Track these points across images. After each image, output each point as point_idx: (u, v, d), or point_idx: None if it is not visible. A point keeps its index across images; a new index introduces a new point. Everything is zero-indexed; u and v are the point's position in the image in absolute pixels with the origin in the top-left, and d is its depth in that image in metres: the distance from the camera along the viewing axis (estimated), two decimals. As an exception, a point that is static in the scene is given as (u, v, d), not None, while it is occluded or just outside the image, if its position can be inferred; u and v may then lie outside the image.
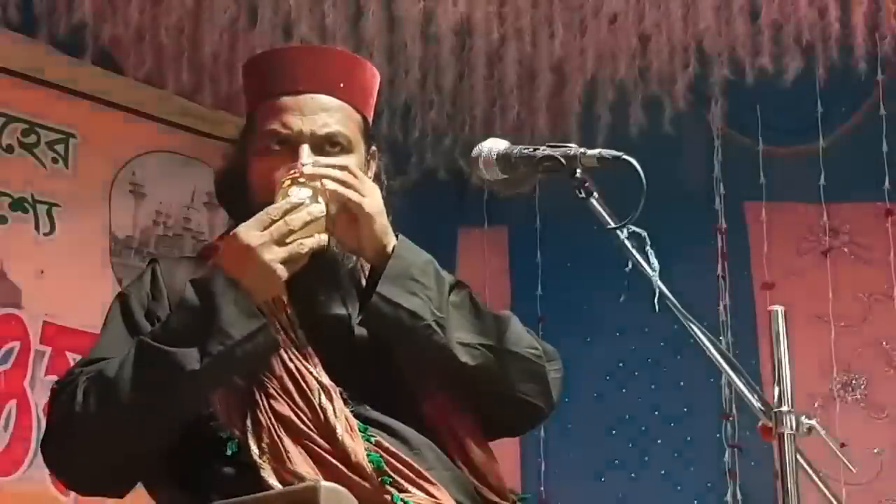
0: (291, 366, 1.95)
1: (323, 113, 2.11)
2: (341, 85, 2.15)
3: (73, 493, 4.14)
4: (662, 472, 4.96)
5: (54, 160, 4.29)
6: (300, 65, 2.17)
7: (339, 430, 1.90)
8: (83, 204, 4.29)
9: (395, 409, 2.00)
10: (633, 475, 4.95)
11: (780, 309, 1.75)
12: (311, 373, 1.95)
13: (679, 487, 4.93)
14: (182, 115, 4.68)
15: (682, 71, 4.55)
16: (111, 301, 2.13)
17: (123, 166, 4.49)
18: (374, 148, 2.21)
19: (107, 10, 4.28)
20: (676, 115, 4.62)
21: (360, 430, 1.93)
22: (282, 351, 1.95)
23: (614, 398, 4.94)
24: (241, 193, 2.13)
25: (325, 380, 1.95)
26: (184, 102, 4.63)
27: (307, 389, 1.93)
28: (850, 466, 1.84)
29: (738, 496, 4.82)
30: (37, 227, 4.19)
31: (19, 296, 4.09)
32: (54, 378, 4.19)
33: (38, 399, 4.11)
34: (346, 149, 2.11)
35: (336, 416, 1.91)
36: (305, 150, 2.07)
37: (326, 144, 2.10)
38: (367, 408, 1.98)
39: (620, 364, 5.01)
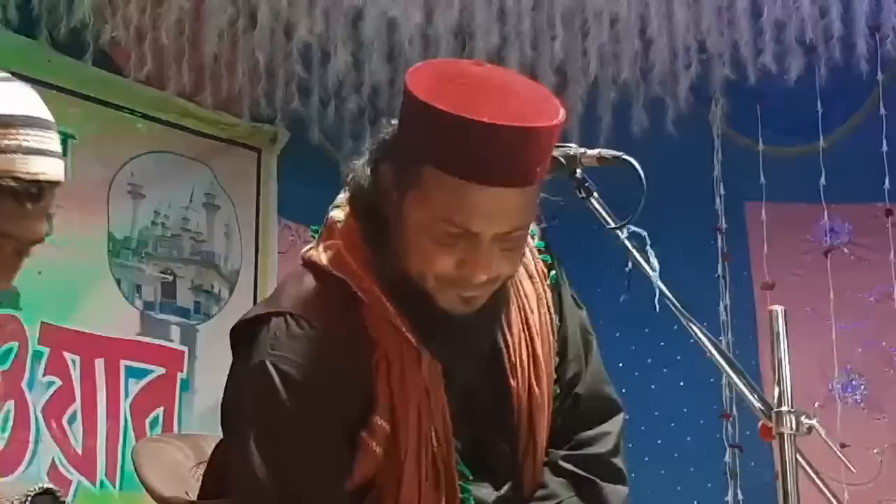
0: None
1: (514, 212, 1.78)
2: (538, 169, 1.79)
3: (70, 493, 4.14)
4: (662, 472, 4.96)
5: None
6: (503, 151, 1.72)
7: None
8: (82, 205, 4.28)
9: None
10: (633, 475, 4.94)
11: (780, 309, 1.75)
12: None
13: (679, 487, 4.93)
14: (181, 115, 4.68)
15: (683, 71, 4.55)
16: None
17: (122, 167, 4.49)
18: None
19: (106, 11, 4.28)
20: (677, 115, 4.62)
21: None
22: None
23: (614, 398, 4.93)
24: (383, 225, 1.84)
25: None
26: (183, 103, 4.63)
27: None
28: (850, 466, 1.84)
29: (738, 496, 4.82)
30: (36, 228, 4.19)
31: (17, 296, 4.09)
32: (52, 379, 4.23)
33: (36, 400, 4.11)
34: (524, 235, 1.86)
35: None
36: (486, 249, 1.78)
37: (507, 237, 1.80)
38: None
39: (620, 364, 5.01)
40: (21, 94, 1.57)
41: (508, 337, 1.97)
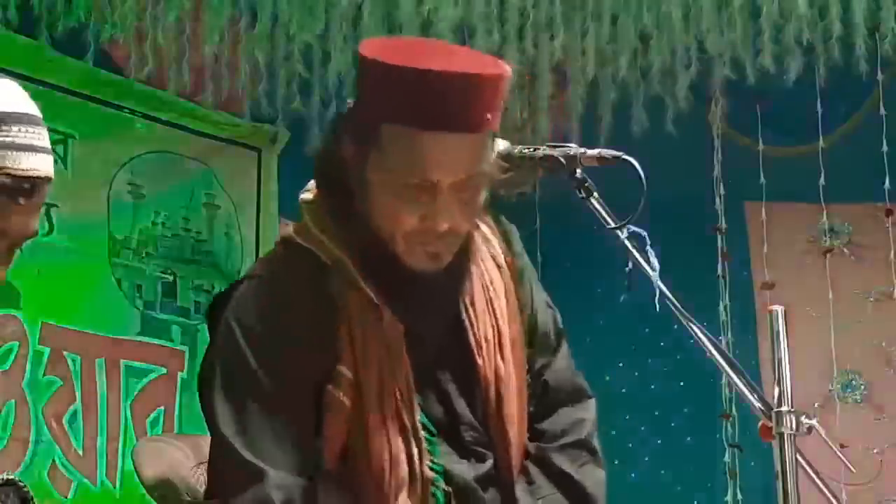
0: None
1: (466, 158, 1.89)
2: (488, 116, 1.90)
3: (70, 493, 4.14)
4: (662, 471, 4.97)
5: (53, 161, 4.28)
6: (452, 97, 1.84)
7: None
8: (82, 204, 4.29)
9: None
10: (633, 475, 4.95)
11: (780, 309, 1.75)
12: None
13: (679, 487, 4.93)
14: (181, 115, 4.68)
15: (682, 71, 4.55)
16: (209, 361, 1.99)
17: (122, 167, 4.49)
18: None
19: (106, 11, 4.28)
20: (677, 115, 4.62)
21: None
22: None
23: (614, 398, 4.93)
24: (350, 198, 1.95)
25: None
26: (183, 103, 4.63)
27: None
28: (850, 466, 1.84)
29: (738, 496, 4.82)
30: (36, 228, 4.19)
31: (18, 296, 4.09)
32: (52, 378, 4.23)
33: (36, 400, 4.11)
34: (480, 184, 1.94)
35: None
36: (445, 198, 1.88)
37: (464, 185, 1.90)
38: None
39: (620, 364, 5.02)
40: (9, 90, 1.58)
41: (472, 315, 2.04)
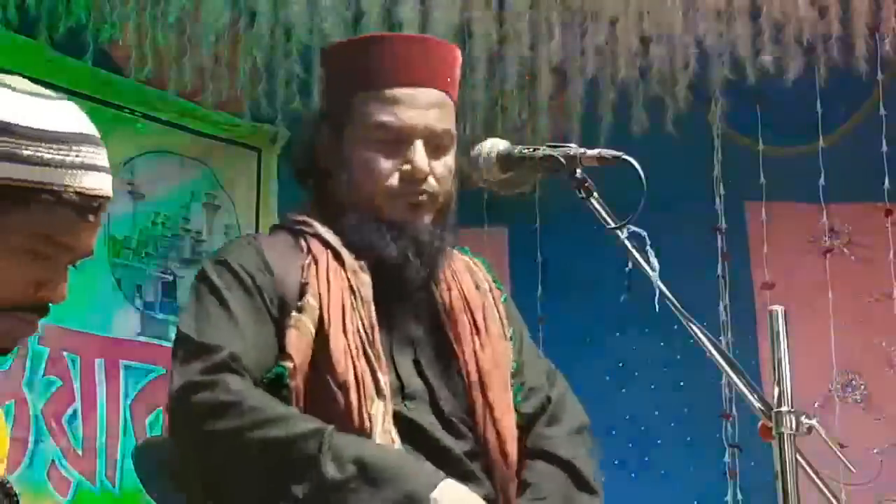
0: None
1: (435, 109, 2.11)
2: (448, 79, 2.15)
3: (69, 494, 4.14)
4: (662, 472, 4.96)
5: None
6: (412, 56, 2.13)
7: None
8: (82, 204, 4.28)
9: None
10: (633, 475, 4.95)
11: (780, 309, 1.75)
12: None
13: (679, 487, 4.93)
14: (181, 115, 4.68)
15: (682, 71, 4.55)
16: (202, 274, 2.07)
17: (122, 167, 4.49)
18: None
19: (106, 11, 4.28)
20: (677, 115, 4.62)
21: None
22: None
23: (614, 398, 4.93)
24: (324, 176, 2.14)
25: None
26: (183, 103, 4.63)
27: None
28: (850, 466, 1.84)
29: (738, 496, 4.82)
30: (36, 228, 4.19)
31: (18, 296, 4.08)
32: (52, 378, 4.23)
33: (36, 400, 4.11)
34: (449, 148, 2.13)
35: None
36: (419, 147, 2.09)
37: (435, 141, 2.11)
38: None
39: (620, 364, 5.01)
40: (73, 111, 1.63)
41: (449, 311, 2.15)
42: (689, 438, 4.95)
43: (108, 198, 1.63)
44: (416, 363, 2.10)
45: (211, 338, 1.95)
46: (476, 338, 2.15)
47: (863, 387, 4.95)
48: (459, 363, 2.12)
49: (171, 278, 4.62)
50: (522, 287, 5.10)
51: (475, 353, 2.13)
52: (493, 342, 2.16)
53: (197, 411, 1.88)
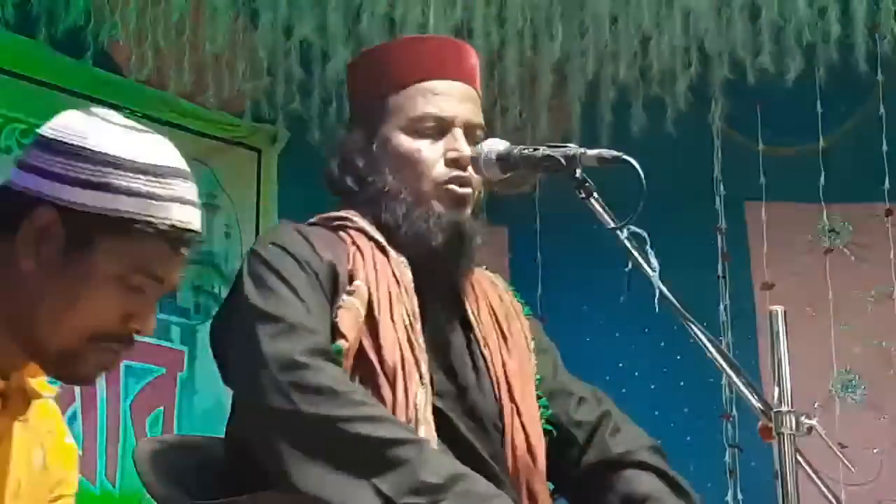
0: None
1: (470, 103, 2.15)
2: (476, 78, 2.21)
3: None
4: (662, 472, 4.96)
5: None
6: (446, 52, 2.21)
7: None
8: (82, 204, 4.28)
9: None
10: (633, 475, 4.95)
11: (780, 309, 1.75)
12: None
13: (679, 487, 4.92)
14: (181, 115, 4.68)
15: (682, 71, 4.56)
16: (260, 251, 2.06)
17: (123, 167, 4.49)
18: None
19: (106, 11, 4.28)
20: (677, 115, 4.62)
21: None
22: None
23: (614, 398, 4.92)
24: (360, 181, 2.14)
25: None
26: (183, 103, 4.63)
27: None
28: (850, 466, 1.84)
29: (738, 496, 4.82)
30: (36, 228, 4.19)
31: (19, 296, 4.08)
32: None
33: (38, 400, 4.11)
34: (481, 141, 2.14)
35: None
36: (460, 134, 2.11)
37: (471, 133, 2.13)
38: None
39: (620, 364, 5.01)
40: (167, 145, 1.64)
41: (476, 316, 2.16)
42: (689, 438, 4.94)
43: (198, 233, 1.65)
44: (448, 362, 2.10)
45: (299, 319, 1.94)
46: (503, 343, 2.16)
47: (863, 387, 4.95)
48: (487, 364, 2.13)
49: (171, 278, 4.62)
50: (522, 287, 5.07)
51: (502, 357, 2.14)
52: (520, 350, 2.18)
53: (298, 390, 1.85)
